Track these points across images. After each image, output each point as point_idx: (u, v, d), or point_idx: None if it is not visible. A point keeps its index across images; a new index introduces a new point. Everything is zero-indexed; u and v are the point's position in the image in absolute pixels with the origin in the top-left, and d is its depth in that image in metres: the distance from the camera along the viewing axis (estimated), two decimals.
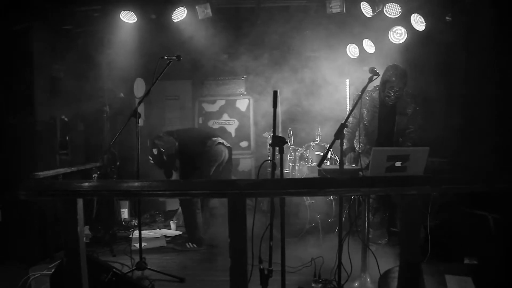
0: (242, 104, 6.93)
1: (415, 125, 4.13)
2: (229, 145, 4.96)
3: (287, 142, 3.35)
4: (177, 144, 4.64)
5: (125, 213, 5.85)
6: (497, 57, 3.96)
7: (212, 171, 4.76)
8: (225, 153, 4.87)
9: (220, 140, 4.85)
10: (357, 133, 4.16)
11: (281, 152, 2.68)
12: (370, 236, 3.70)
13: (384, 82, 3.99)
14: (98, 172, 5.07)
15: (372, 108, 4.17)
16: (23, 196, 1.97)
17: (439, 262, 3.37)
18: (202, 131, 4.96)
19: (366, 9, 4.81)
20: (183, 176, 4.78)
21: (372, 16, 4.84)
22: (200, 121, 6.90)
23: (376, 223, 4.39)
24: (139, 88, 6.41)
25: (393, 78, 3.91)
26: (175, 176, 4.96)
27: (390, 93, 3.96)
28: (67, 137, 5.11)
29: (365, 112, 4.17)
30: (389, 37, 4.98)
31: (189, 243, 4.67)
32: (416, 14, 4.63)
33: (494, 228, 3.36)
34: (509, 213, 3.29)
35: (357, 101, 3.35)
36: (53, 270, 3.14)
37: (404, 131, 4.14)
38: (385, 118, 4.16)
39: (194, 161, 4.69)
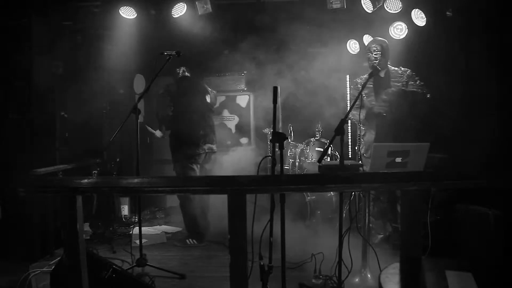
0: (242, 100, 6.90)
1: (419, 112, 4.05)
2: (214, 150, 4.91)
3: (287, 138, 3.34)
4: (170, 114, 4.63)
5: (125, 210, 5.85)
6: (498, 52, 3.95)
7: (194, 168, 4.71)
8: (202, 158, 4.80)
9: (209, 149, 4.79)
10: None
11: (281, 148, 2.67)
12: (371, 225, 3.68)
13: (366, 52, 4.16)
14: (98, 169, 5.06)
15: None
16: (23, 193, 1.97)
17: (440, 258, 3.37)
18: (195, 134, 4.74)
19: (367, 4, 4.79)
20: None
21: (373, 12, 4.81)
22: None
23: (376, 213, 4.38)
24: (139, 84, 6.40)
25: (373, 45, 4.12)
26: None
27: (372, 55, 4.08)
28: (67, 133, 5.10)
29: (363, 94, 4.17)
30: (390, 32, 4.95)
31: (190, 240, 4.67)
32: (417, 9, 4.62)
33: (495, 224, 3.36)
34: (510, 210, 3.29)
35: (357, 98, 3.34)
36: (53, 267, 3.14)
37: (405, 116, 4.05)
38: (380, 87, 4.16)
39: (176, 151, 4.68)
